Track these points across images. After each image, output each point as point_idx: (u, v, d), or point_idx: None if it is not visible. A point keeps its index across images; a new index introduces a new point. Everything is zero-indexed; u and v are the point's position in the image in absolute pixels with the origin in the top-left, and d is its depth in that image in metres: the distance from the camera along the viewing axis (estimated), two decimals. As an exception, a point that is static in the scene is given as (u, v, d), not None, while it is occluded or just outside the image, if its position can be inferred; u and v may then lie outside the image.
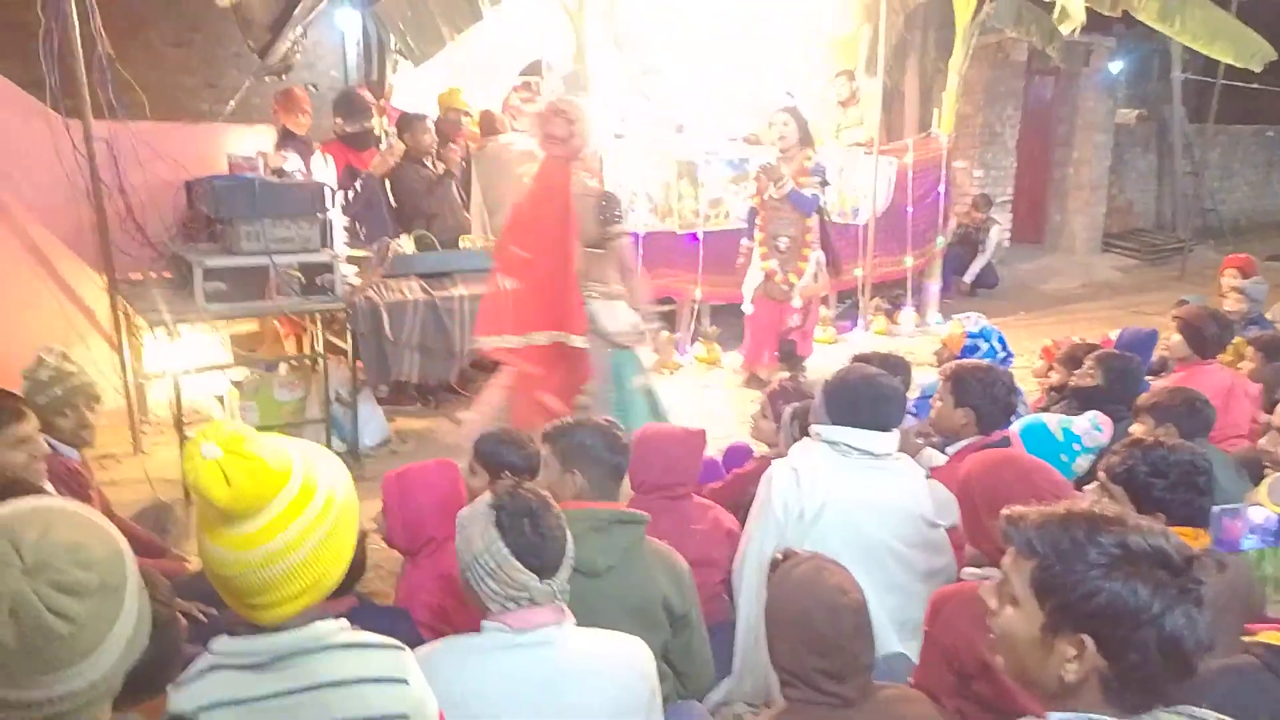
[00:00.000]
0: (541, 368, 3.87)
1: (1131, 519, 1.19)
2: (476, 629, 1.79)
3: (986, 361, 3.40)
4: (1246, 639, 1.56)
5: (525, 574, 1.72)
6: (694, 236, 6.59)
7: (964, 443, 2.98)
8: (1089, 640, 1.13)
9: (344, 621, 1.43)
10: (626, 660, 1.85)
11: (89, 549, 1.07)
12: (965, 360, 3.30)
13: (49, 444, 2.77)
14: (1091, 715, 1.15)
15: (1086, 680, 1.15)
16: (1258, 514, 2.00)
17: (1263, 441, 2.84)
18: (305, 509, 1.32)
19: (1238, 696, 1.39)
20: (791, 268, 5.98)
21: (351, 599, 2.16)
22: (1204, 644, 1.11)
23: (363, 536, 1.93)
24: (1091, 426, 2.91)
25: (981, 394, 2.96)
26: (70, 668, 1.04)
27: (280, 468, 1.31)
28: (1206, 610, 1.12)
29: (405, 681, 1.42)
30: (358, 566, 2.06)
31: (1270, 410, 3.10)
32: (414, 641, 1.69)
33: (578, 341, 3.84)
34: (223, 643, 1.38)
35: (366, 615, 1.92)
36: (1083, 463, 2.88)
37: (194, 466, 1.25)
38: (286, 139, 5.51)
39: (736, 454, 4.00)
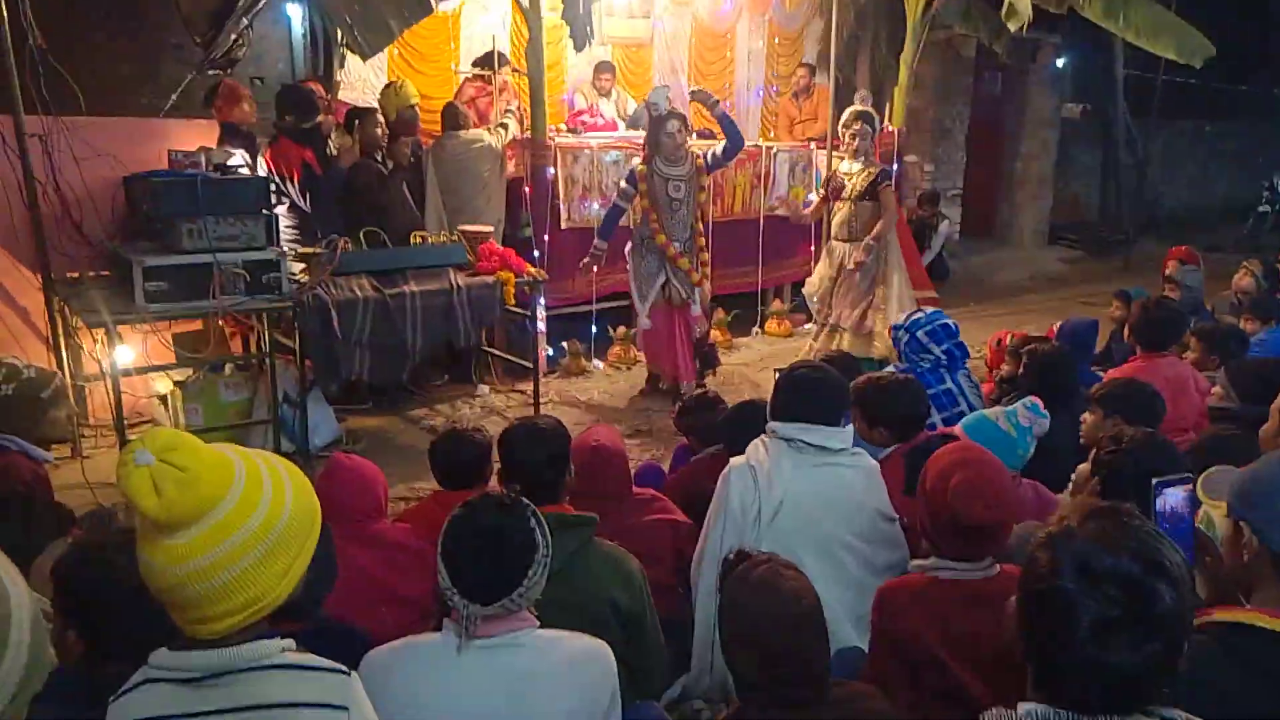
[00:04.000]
0: None
1: None
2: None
3: (889, 374, 3.35)
4: (1201, 620, 1.54)
5: None
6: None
7: (887, 451, 3.04)
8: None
9: (289, 641, 1.35)
10: (591, 663, 1.82)
11: None
12: (864, 378, 3.23)
13: (16, 446, 2.67)
14: (1059, 711, 1.20)
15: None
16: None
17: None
18: (241, 525, 1.26)
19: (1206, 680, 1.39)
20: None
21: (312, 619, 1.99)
22: None
23: (329, 554, 1.82)
24: (1036, 414, 2.92)
25: (887, 410, 3.07)
26: None
27: (215, 479, 1.25)
28: None
29: (345, 709, 1.33)
30: (320, 583, 1.90)
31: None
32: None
33: None
34: (160, 655, 1.32)
35: (319, 635, 1.77)
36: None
37: (125, 473, 1.20)
38: (229, 135, 5.35)
39: (648, 473, 3.84)
